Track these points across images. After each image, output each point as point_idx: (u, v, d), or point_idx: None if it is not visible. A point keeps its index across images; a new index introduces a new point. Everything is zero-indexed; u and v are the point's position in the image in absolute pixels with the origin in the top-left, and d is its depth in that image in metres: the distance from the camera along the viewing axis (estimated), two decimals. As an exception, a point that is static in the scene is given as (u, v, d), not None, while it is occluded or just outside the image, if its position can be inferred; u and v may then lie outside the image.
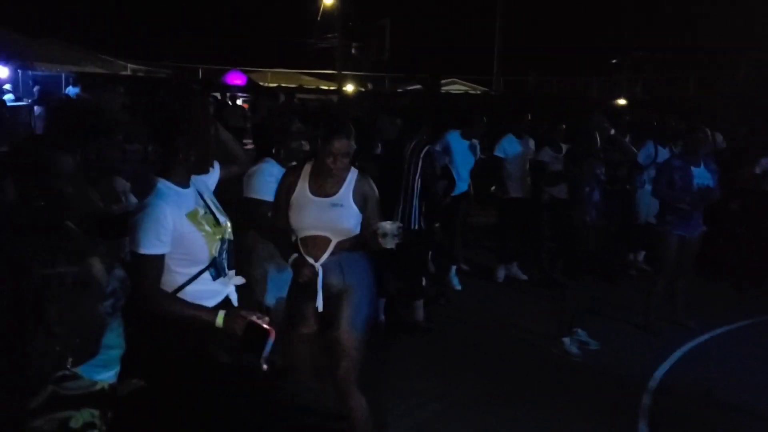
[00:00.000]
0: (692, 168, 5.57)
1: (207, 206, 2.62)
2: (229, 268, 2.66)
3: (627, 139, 6.47)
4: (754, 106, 9.78)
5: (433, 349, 5.31)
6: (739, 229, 7.28)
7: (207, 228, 2.54)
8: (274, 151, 4.00)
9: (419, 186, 5.34)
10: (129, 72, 24.32)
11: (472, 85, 26.31)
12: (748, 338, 5.80)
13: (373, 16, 22.12)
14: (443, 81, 22.53)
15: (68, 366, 2.00)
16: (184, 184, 2.55)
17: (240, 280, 2.74)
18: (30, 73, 18.21)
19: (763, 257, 6.93)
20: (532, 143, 7.22)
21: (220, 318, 2.44)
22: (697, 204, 5.59)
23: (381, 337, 5.41)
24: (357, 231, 3.33)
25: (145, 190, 2.51)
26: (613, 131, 5.50)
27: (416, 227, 5.37)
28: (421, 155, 5.35)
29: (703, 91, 12.32)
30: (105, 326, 2.10)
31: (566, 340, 5.28)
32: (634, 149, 6.48)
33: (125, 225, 2.47)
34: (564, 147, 6.56)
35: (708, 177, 5.58)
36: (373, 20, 21.84)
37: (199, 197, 2.61)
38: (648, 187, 6.70)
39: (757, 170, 7.13)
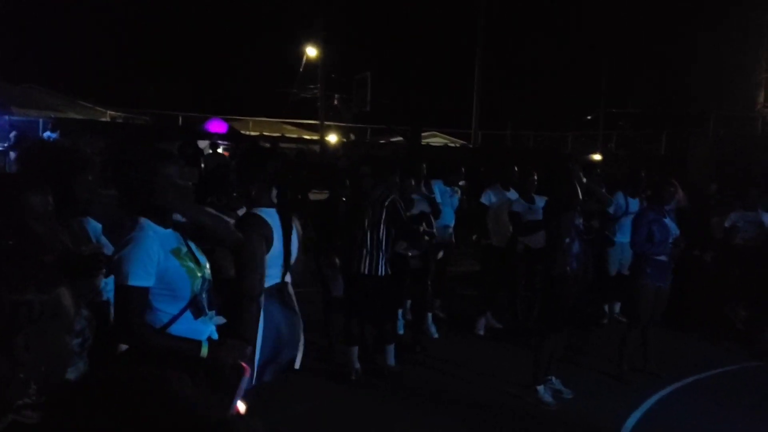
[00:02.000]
0: (665, 220, 5.72)
1: (187, 246, 2.67)
2: (210, 308, 2.69)
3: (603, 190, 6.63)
4: (724, 162, 10.08)
5: (407, 396, 5.30)
6: (711, 280, 7.43)
7: (189, 264, 2.59)
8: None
9: (384, 233, 5.43)
10: (108, 118, 24.43)
11: (452, 138, 26.77)
12: (718, 387, 5.86)
13: (355, 68, 22.58)
14: (424, 134, 22.91)
15: (31, 395, 1.99)
16: (164, 224, 2.61)
17: (220, 320, 2.77)
18: (7, 118, 18.22)
19: (733, 308, 7.05)
20: (515, 194, 7.36)
21: (204, 348, 2.47)
22: (675, 255, 5.73)
23: (354, 383, 5.41)
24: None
25: (125, 229, 2.55)
26: (589, 182, 5.65)
27: (383, 273, 5.45)
28: (386, 204, 5.45)
29: (674, 147, 12.70)
30: (71, 359, 2.11)
31: (540, 388, 5.30)
32: (610, 197, 6.63)
33: (95, 266, 2.50)
34: (536, 198, 6.70)
35: (675, 228, 5.74)
36: (355, 73, 22.28)
37: (179, 237, 2.66)
38: (620, 237, 6.84)
39: (727, 224, 7.32)
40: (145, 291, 2.46)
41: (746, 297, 7.03)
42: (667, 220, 5.73)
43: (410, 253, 6.18)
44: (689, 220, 7.27)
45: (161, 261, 2.49)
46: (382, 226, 5.44)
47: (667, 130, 13.61)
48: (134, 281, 2.43)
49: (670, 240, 5.63)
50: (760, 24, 13.11)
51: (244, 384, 2.41)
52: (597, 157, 14.76)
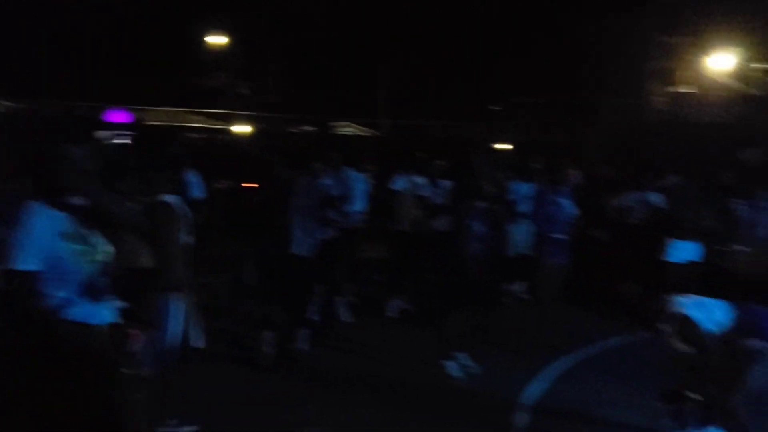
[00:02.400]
0: (560, 199, 6.06)
1: (82, 229, 2.64)
2: (108, 292, 2.67)
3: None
4: (616, 148, 10.68)
5: (320, 379, 5.40)
6: (606, 257, 7.91)
7: (80, 247, 2.57)
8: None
9: (299, 217, 5.52)
10: (2, 109, 23.04)
11: (362, 127, 26.94)
12: (612, 358, 6.26)
13: (263, 57, 22.28)
14: (335, 123, 22.96)
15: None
16: (58, 207, 2.58)
17: (120, 304, 2.76)
18: None
19: (626, 283, 7.53)
20: (422, 180, 7.56)
21: (97, 331, 2.48)
22: (573, 234, 6.08)
23: (266, 368, 5.46)
24: None
25: (16, 213, 2.52)
26: (491, 168, 5.91)
27: (299, 255, 5.52)
28: (302, 187, 5.52)
29: (570, 134, 13.39)
30: None
31: (449, 363, 5.53)
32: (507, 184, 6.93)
33: None
34: (442, 182, 6.93)
35: (573, 208, 6.09)
36: (265, 62, 22.00)
37: (74, 220, 2.63)
38: (520, 220, 7.15)
39: (620, 204, 7.84)
40: (32, 275, 2.44)
41: (638, 273, 7.51)
42: (565, 201, 6.07)
43: (322, 237, 6.27)
44: (585, 202, 7.72)
45: (48, 244, 2.47)
46: (297, 209, 5.50)
47: (562, 118, 14.28)
48: (22, 265, 2.42)
49: (568, 219, 5.96)
50: (650, 14, 13.95)
51: (137, 348, 2.47)
52: (502, 145, 15.29)
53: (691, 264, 6.99)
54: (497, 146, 14.14)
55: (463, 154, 7.53)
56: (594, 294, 7.84)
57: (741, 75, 15.06)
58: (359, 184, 7.23)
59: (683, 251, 6.99)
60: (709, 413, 4.33)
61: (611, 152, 10.69)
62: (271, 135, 20.32)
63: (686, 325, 3.86)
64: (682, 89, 14.70)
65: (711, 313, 3.87)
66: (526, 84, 17.47)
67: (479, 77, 21.09)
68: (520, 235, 7.59)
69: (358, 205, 7.21)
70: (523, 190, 7.74)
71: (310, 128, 21.67)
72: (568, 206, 6.04)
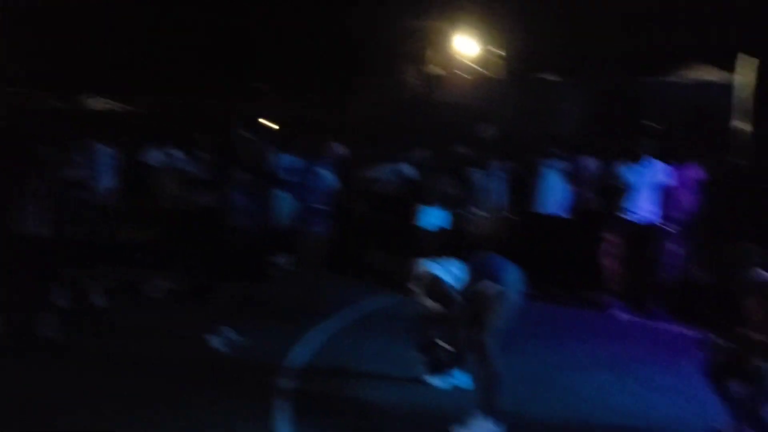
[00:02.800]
0: (319, 170, 6.31)
1: None
2: None
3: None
4: (373, 124, 11.30)
5: (76, 364, 5.10)
6: (359, 226, 8.43)
7: None
8: None
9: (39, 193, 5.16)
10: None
11: (118, 103, 25.33)
12: (377, 318, 6.68)
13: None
14: (87, 98, 21.29)
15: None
16: None
17: None
18: None
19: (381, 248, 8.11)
20: (179, 154, 7.37)
21: None
22: (327, 202, 6.34)
23: (14, 354, 5.05)
24: None
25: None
26: (254, 142, 5.97)
27: (38, 233, 5.16)
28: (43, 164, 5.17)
29: (330, 112, 13.89)
30: None
31: (213, 338, 5.53)
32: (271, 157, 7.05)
33: None
34: (202, 156, 6.85)
35: (333, 178, 6.38)
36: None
37: None
38: (284, 191, 7.32)
39: (370, 175, 8.38)
40: None
41: (388, 239, 8.11)
42: (324, 172, 6.33)
43: (66, 216, 5.89)
44: (345, 174, 8.12)
45: None
46: (36, 187, 5.11)
47: (322, 95, 14.73)
48: None
49: (328, 191, 6.23)
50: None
51: None
52: (267, 121, 15.33)
53: (439, 229, 7.70)
54: (263, 122, 14.22)
55: (226, 129, 7.50)
56: (355, 261, 8.31)
57: (482, 59, 16.71)
58: (107, 159, 6.85)
59: (432, 217, 7.67)
60: (459, 359, 4.90)
61: (369, 128, 11.28)
62: (13, 111, 18.27)
63: (434, 284, 4.30)
64: (432, 71, 15.98)
65: (453, 271, 4.35)
66: (290, 64, 17.71)
67: (244, 55, 20.87)
68: (284, 207, 7.76)
69: (107, 181, 6.84)
70: (286, 162, 7.90)
71: (59, 103, 19.91)
72: (328, 178, 6.30)
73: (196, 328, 5.73)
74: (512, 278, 4.28)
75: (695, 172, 7.51)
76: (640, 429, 4.48)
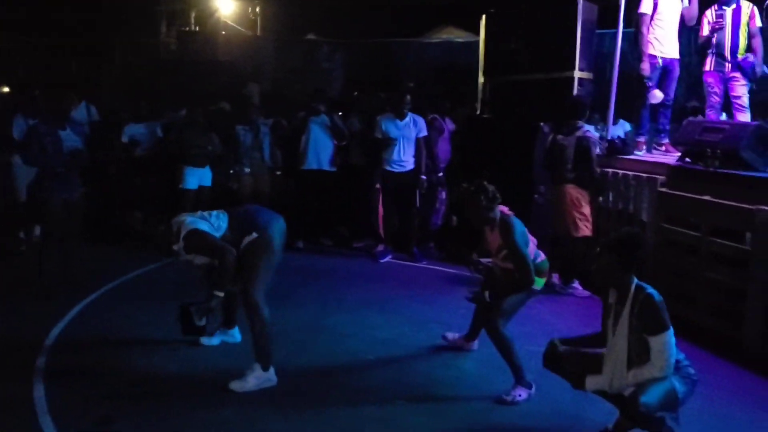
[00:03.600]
0: (60, 132, 5.78)
1: None
2: None
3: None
4: (133, 86, 10.66)
5: None
6: (115, 189, 7.98)
7: None
8: None
9: None
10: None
11: None
12: (142, 285, 6.43)
13: None
14: None
15: None
16: None
17: None
18: None
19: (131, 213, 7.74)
20: None
21: None
22: (71, 166, 5.83)
23: None
24: None
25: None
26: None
27: None
28: None
29: (87, 75, 12.88)
30: None
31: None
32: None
33: None
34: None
35: (77, 140, 5.89)
36: None
37: None
38: (18, 160, 6.63)
39: (125, 138, 7.96)
40: None
41: (145, 201, 7.78)
42: (64, 133, 5.81)
43: None
44: (96, 135, 7.63)
45: None
46: None
47: (78, 58, 13.62)
48: None
49: (66, 152, 5.73)
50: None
51: None
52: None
53: (203, 188, 7.53)
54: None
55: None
56: (115, 227, 7.85)
57: (245, 19, 16.46)
58: None
59: (195, 177, 7.46)
60: (228, 314, 4.87)
61: (126, 88, 10.64)
62: None
63: (194, 237, 4.16)
64: (192, 29, 15.44)
65: (214, 223, 4.25)
66: (41, 23, 16.05)
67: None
68: (23, 176, 7.05)
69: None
70: (21, 125, 7.15)
71: None
72: (68, 137, 5.79)
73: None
74: (277, 228, 4.32)
75: (448, 124, 8.16)
76: (402, 357, 4.84)
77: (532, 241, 4.38)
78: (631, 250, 3.35)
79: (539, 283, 4.29)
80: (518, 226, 4.27)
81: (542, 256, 4.40)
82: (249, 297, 4.18)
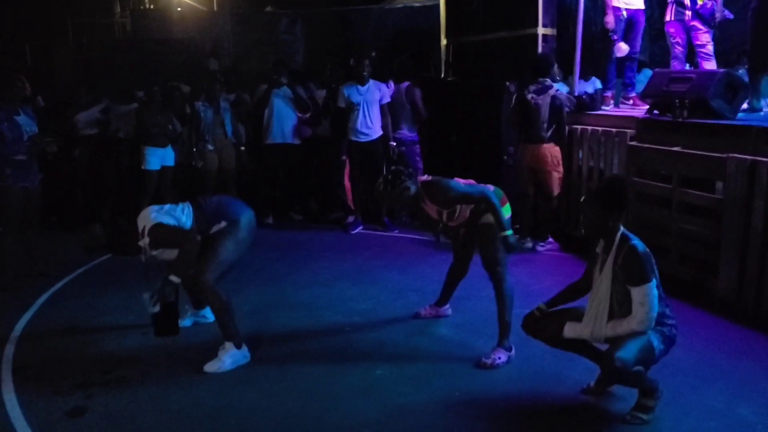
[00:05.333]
0: (16, 117, 5.55)
1: None
2: None
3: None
4: (87, 67, 10.35)
5: None
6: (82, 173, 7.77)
7: None
8: None
9: None
10: None
11: None
12: (106, 273, 6.20)
13: None
14: None
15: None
16: None
17: None
18: None
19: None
20: None
21: None
22: (32, 152, 5.62)
23: None
24: None
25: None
26: None
27: None
28: None
29: (38, 58, 12.48)
30: None
31: None
32: None
33: None
34: None
35: (32, 124, 5.67)
36: None
37: None
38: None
39: (84, 118, 7.71)
40: None
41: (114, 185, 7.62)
42: (21, 118, 5.59)
43: None
44: (51, 119, 7.39)
45: None
46: None
47: (30, 41, 13.19)
48: None
49: (25, 138, 5.52)
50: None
51: None
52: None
53: (166, 168, 7.33)
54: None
55: None
56: (77, 214, 7.65)
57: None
58: None
59: (156, 158, 7.25)
60: (198, 299, 4.76)
61: (81, 70, 10.31)
62: None
63: (159, 230, 4.01)
64: (146, 8, 15.01)
65: (179, 216, 4.10)
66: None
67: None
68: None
69: None
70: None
71: None
72: (25, 123, 5.56)
73: None
74: (245, 220, 4.19)
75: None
76: (379, 327, 4.78)
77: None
78: (616, 194, 3.33)
79: (507, 210, 4.23)
80: (442, 180, 4.22)
81: (490, 186, 4.30)
82: (201, 279, 4.05)
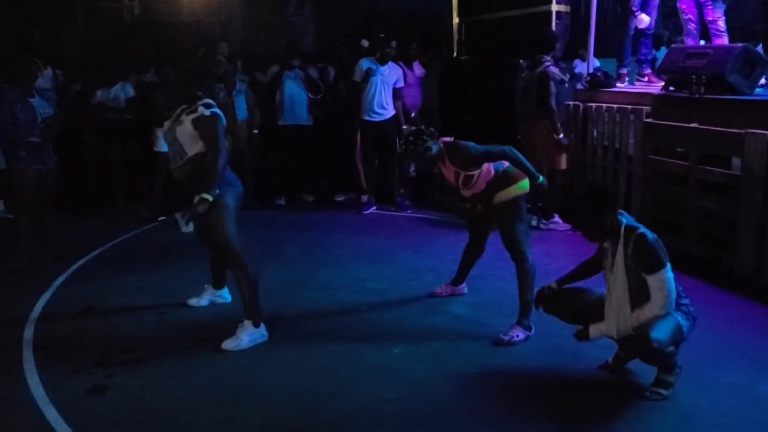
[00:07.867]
0: (30, 100, 5.55)
1: None
2: None
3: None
4: (97, 50, 10.35)
5: None
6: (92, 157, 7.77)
7: None
8: None
9: None
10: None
11: None
12: (122, 254, 6.26)
13: None
14: None
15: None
16: None
17: None
18: None
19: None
20: None
21: None
22: (46, 135, 5.62)
23: None
24: None
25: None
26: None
27: None
28: None
29: (49, 40, 12.50)
30: None
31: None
32: None
33: None
34: None
35: (46, 106, 5.67)
36: None
37: None
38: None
39: (98, 100, 7.69)
40: None
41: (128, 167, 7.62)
42: (35, 100, 5.60)
43: None
44: (65, 101, 7.37)
45: None
46: None
47: (40, 25, 13.18)
48: None
49: (39, 121, 5.52)
50: None
51: None
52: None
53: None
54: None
55: None
56: (93, 195, 7.69)
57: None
58: None
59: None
60: (216, 275, 4.77)
61: (90, 54, 10.31)
62: None
63: (213, 121, 4.07)
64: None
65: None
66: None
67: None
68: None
69: None
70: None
71: None
72: (39, 105, 5.56)
73: None
74: (234, 189, 4.18)
75: (416, 69, 8.02)
76: (396, 306, 4.79)
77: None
78: (600, 200, 3.33)
79: (523, 185, 4.21)
80: (463, 143, 4.21)
81: (505, 164, 4.26)
82: (231, 253, 4.09)
